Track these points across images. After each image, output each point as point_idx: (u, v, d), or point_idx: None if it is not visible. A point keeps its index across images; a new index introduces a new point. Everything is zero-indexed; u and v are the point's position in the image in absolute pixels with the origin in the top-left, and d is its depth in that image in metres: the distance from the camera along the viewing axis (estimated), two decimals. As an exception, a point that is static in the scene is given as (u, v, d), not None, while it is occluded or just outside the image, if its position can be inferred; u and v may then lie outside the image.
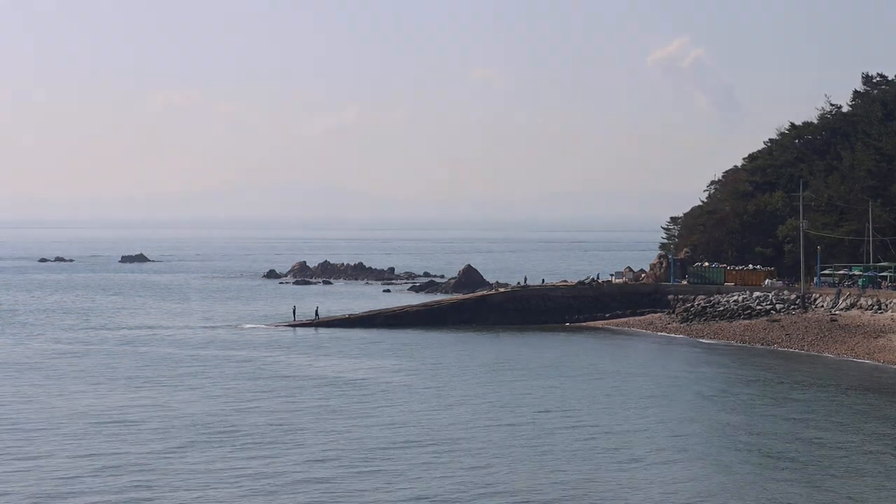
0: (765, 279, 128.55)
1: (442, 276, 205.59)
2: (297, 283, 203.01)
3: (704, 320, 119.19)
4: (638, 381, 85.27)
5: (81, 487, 51.99)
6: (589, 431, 65.17)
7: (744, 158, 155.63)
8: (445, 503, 50.03)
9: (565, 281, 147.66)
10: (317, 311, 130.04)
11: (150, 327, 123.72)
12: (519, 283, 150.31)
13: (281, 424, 66.53)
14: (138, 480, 53.13)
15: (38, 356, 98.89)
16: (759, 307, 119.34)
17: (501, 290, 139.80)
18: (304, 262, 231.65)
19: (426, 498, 50.67)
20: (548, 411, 71.77)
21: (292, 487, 51.97)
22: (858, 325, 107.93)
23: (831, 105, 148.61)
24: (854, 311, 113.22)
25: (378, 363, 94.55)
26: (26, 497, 50.44)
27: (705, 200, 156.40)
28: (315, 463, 56.70)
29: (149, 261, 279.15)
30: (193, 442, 61.54)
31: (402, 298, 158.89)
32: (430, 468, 55.78)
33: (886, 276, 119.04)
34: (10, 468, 55.59)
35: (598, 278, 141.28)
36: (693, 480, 54.03)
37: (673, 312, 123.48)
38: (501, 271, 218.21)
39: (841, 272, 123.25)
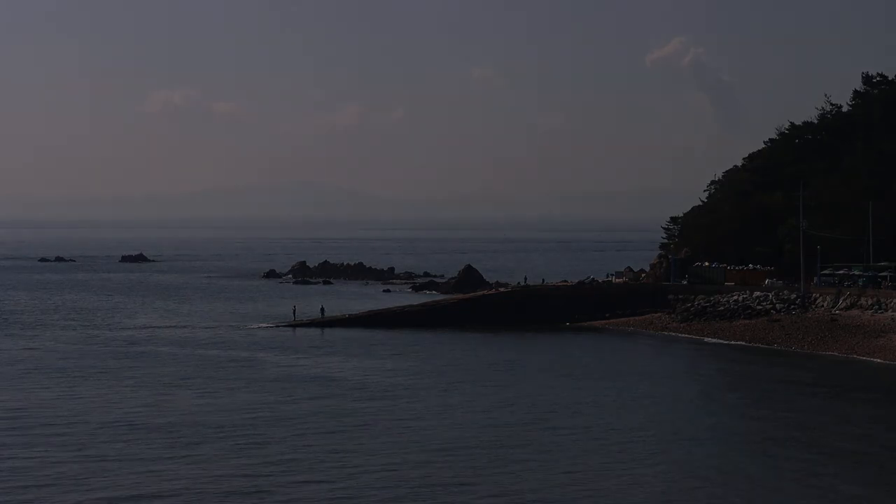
0: (765, 279, 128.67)
1: (442, 276, 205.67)
2: (296, 282, 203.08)
3: (704, 320, 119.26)
4: (653, 382, 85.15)
5: (97, 495, 51.69)
6: (627, 434, 64.64)
7: (744, 158, 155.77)
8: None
9: (565, 281, 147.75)
10: (322, 310, 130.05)
11: (150, 327, 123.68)
12: (519, 283, 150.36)
13: (297, 427, 65.85)
14: (157, 483, 53.05)
15: (41, 357, 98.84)
16: (759, 307, 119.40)
17: (501, 289, 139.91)
18: (304, 261, 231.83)
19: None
20: (575, 413, 71.33)
21: (325, 493, 51.47)
22: (858, 325, 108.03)
23: (831, 105, 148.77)
24: (854, 311, 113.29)
25: (383, 364, 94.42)
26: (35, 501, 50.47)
27: (705, 200, 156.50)
28: (347, 468, 55.90)
29: (149, 261, 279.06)
30: (213, 446, 60.60)
31: (402, 298, 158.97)
32: (471, 473, 55.19)
33: (886, 276, 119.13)
34: (17, 472, 55.64)
35: (607, 277, 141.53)
36: (750, 483, 53.44)
37: (673, 312, 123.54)
38: (501, 271, 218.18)
39: (841, 272, 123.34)
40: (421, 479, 53.79)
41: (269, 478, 53.85)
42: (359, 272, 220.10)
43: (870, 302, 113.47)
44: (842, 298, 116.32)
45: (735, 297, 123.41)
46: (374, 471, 55.19)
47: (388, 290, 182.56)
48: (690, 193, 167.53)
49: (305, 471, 55.24)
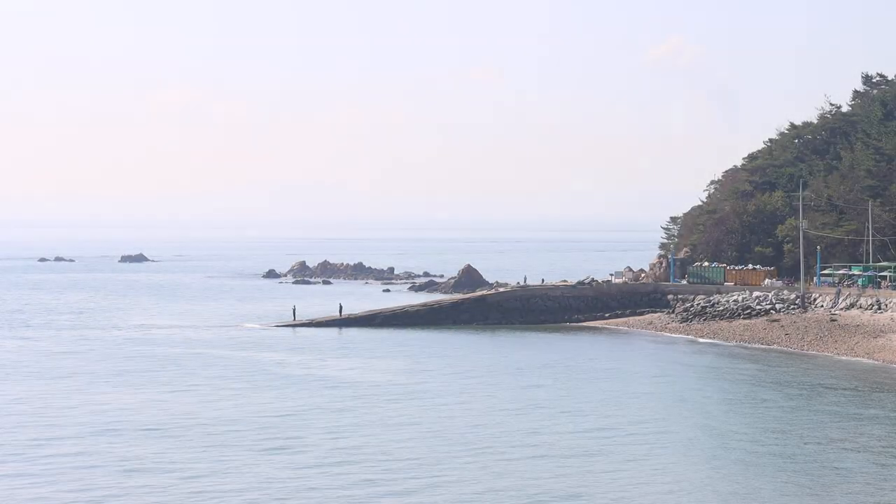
0: (764, 279, 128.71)
1: (442, 276, 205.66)
2: (296, 282, 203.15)
3: (704, 320, 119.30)
4: (652, 383, 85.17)
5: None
6: (626, 434, 64.61)
7: (744, 158, 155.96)
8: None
9: (565, 281, 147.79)
10: (340, 308, 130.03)
11: (150, 327, 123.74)
12: (519, 282, 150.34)
13: (305, 429, 65.91)
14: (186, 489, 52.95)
15: (41, 357, 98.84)
16: (758, 307, 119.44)
17: (501, 289, 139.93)
18: (304, 261, 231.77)
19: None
20: (575, 413, 71.33)
21: (335, 494, 51.50)
22: (858, 325, 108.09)
23: (831, 105, 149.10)
24: (854, 311, 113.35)
25: (386, 365, 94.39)
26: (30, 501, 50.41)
27: (705, 200, 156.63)
28: (362, 468, 56.02)
29: (149, 260, 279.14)
30: (222, 448, 60.46)
31: (402, 298, 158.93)
32: (478, 472, 55.27)
33: (886, 276, 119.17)
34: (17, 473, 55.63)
35: (613, 277, 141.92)
36: (746, 486, 53.29)
37: (673, 312, 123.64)
38: (501, 271, 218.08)
39: (841, 272, 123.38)
40: (429, 475, 53.97)
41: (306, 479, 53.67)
42: (359, 272, 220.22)
43: (870, 302, 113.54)
44: (841, 298, 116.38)
45: (735, 297, 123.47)
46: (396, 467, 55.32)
47: (387, 290, 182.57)
48: (690, 193, 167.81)
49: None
